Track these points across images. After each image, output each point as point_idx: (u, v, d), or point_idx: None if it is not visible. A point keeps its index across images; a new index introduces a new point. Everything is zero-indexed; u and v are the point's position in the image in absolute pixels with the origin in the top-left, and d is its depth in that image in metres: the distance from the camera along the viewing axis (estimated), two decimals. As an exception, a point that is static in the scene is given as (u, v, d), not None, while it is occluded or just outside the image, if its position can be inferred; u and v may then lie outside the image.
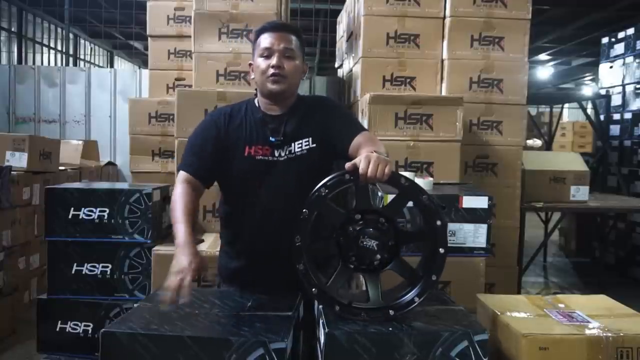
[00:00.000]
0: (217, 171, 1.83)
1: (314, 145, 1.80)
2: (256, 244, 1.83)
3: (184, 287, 1.49)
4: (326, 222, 1.51)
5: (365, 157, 1.45)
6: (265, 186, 1.79)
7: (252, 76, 1.85)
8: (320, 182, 1.50)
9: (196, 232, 2.79)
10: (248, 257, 1.87)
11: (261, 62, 1.79)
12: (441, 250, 1.49)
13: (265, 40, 1.79)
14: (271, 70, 1.76)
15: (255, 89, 1.88)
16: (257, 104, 1.86)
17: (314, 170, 1.70)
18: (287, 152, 1.79)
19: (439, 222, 1.49)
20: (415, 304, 1.49)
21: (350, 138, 1.76)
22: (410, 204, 1.55)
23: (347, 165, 1.47)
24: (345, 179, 1.48)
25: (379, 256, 1.49)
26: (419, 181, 2.53)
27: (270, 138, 1.79)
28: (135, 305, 1.72)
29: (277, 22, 1.87)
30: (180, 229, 1.66)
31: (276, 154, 1.79)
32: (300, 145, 1.80)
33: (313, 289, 1.49)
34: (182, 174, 1.81)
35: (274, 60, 1.76)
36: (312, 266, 1.50)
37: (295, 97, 1.87)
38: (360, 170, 1.43)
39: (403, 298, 1.50)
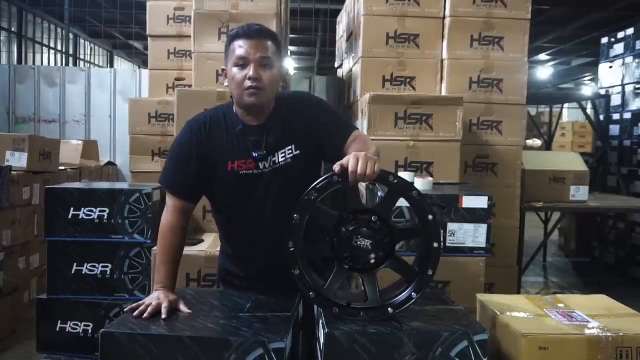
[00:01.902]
0: (202, 187, 1.79)
1: (298, 152, 1.74)
2: (250, 254, 1.81)
3: (150, 312, 1.54)
4: (319, 225, 1.51)
5: (353, 157, 1.44)
6: (253, 199, 1.74)
7: (226, 83, 1.75)
8: (308, 186, 1.49)
9: (195, 233, 2.81)
10: (244, 266, 1.85)
11: (236, 73, 1.68)
12: (435, 245, 1.49)
13: (240, 48, 1.68)
14: (248, 83, 1.66)
15: (231, 96, 1.79)
16: (236, 113, 1.77)
17: (300, 176, 1.67)
18: (271, 164, 1.72)
19: (430, 217, 1.49)
20: (413, 300, 1.49)
21: (343, 142, 1.72)
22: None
23: (335, 166, 1.46)
24: (334, 181, 1.47)
25: (373, 255, 1.49)
26: (419, 181, 2.53)
27: (253, 153, 1.71)
28: (135, 305, 1.72)
29: (251, 26, 1.72)
30: (162, 270, 1.72)
31: (260, 166, 1.72)
32: (284, 154, 1.73)
33: (310, 293, 1.48)
34: (170, 199, 1.77)
35: (250, 72, 1.66)
36: (308, 270, 1.50)
37: (273, 103, 1.77)
38: (350, 169, 1.43)
39: (401, 295, 1.50)
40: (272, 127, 1.74)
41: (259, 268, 1.81)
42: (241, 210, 1.77)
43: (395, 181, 1.49)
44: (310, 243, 1.52)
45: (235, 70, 1.69)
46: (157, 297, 1.60)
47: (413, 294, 1.49)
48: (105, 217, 2.55)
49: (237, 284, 1.87)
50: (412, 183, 1.58)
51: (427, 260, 1.50)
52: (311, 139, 1.75)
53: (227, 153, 1.73)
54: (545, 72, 16.59)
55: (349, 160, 1.44)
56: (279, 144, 1.73)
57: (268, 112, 1.76)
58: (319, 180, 1.49)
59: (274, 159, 1.73)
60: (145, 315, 1.52)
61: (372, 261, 1.49)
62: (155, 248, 2.52)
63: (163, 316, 1.52)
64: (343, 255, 1.49)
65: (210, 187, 1.78)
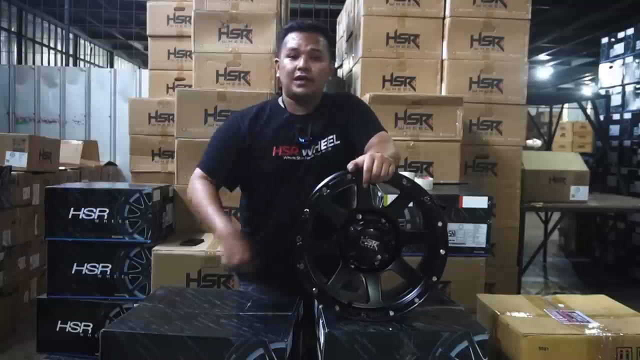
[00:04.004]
0: (240, 176, 1.85)
1: (339, 142, 1.81)
2: (277, 242, 1.77)
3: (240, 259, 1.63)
4: (327, 222, 1.51)
5: (369, 157, 1.44)
6: (290, 185, 1.79)
7: (277, 74, 1.84)
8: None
9: (195, 233, 2.80)
10: (269, 255, 1.82)
11: (287, 63, 1.77)
12: (442, 251, 1.49)
13: (293, 40, 1.77)
14: (298, 73, 1.75)
15: (280, 90, 1.86)
16: (282, 104, 1.86)
17: (337, 166, 1.66)
18: (314, 151, 1.80)
19: (439, 223, 1.48)
20: (415, 304, 1.49)
21: (367, 138, 1.76)
22: (410, 204, 1.55)
23: (349, 165, 1.46)
24: (347, 179, 1.47)
25: (379, 256, 1.48)
26: (419, 181, 2.53)
27: (300, 139, 1.79)
28: (135, 305, 1.73)
29: (305, 21, 1.84)
30: (217, 219, 1.70)
31: (304, 153, 1.80)
32: (326, 142, 1.80)
33: (313, 289, 1.48)
34: (203, 175, 1.82)
35: (300, 62, 1.75)
36: (313, 266, 1.50)
37: (320, 96, 1.87)
38: (365, 168, 1.42)
39: (403, 299, 1.50)
40: (317, 116, 1.83)
41: (282, 258, 1.71)
42: (276, 195, 1.81)
43: (408, 185, 1.49)
44: (318, 239, 1.52)
45: (286, 60, 1.78)
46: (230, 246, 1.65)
47: (416, 298, 1.49)
48: (105, 217, 2.55)
49: (257, 278, 1.87)
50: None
51: (432, 266, 1.50)
52: (348, 131, 1.81)
53: (273, 139, 1.80)
54: (545, 72, 16.61)
55: (364, 160, 1.44)
56: (323, 132, 1.81)
57: (315, 103, 1.83)
58: (331, 177, 1.49)
59: (316, 147, 1.81)
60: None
61: (377, 262, 1.49)
62: (155, 248, 2.52)
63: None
64: (349, 254, 1.49)
65: (251, 173, 1.82)
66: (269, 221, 1.85)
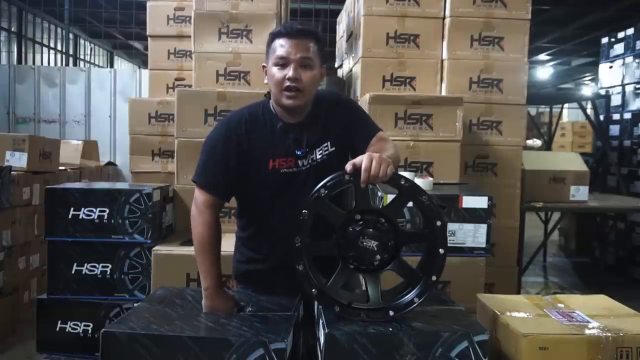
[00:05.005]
0: (238, 185, 1.76)
1: (333, 149, 1.77)
2: (276, 250, 1.77)
3: None
4: (326, 222, 1.51)
5: (367, 157, 1.44)
6: (287, 195, 1.73)
7: (266, 81, 1.74)
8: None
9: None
10: (268, 263, 1.82)
11: (276, 72, 1.67)
12: (441, 251, 1.49)
13: (281, 47, 1.66)
14: (287, 83, 1.65)
15: (268, 92, 1.77)
16: (273, 110, 1.77)
17: (332, 173, 1.61)
18: (309, 161, 1.75)
19: (438, 223, 1.49)
20: (415, 304, 1.49)
21: (368, 140, 1.74)
22: (410, 204, 1.55)
23: (347, 165, 1.46)
24: (345, 180, 1.47)
25: (378, 257, 1.48)
26: (419, 181, 2.53)
27: (297, 151, 1.73)
28: (135, 305, 1.73)
29: (293, 25, 1.70)
30: (207, 279, 1.67)
31: (300, 164, 1.74)
32: (321, 151, 1.76)
33: (313, 290, 1.48)
34: (202, 195, 1.73)
35: (290, 72, 1.64)
36: (312, 267, 1.50)
37: (312, 103, 1.77)
38: (363, 168, 1.42)
39: (403, 299, 1.50)
40: (311, 124, 1.76)
41: (281, 264, 1.72)
42: (273, 206, 1.76)
43: (407, 185, 1.49)
44: (316, 240, 1.52)
45: (275, 69, 1.68)
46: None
47: (415, 298, 1.49)
48: (105, 217, 2.55)
49: (256, 283, 1.84)
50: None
51: (432, 265, 1.50)
52: (344, 136, 1.78)
53: (269, 151, 1.73)
54: (545, 72, 16.61)
55: (362, 160, 1.44)
56: (318, 141, 1.76)
57: (307, 111, 1.76)
58: (329, 178, 1.49)
59: (312, 156, 1.75)
60: None
61: (377, 262, 1.49)
62: (155, 248, 2.52)
63: None
64: (348, 254, 1.49)
65: (246, 184, 1.75)
66: (266, 229, 1.81)
